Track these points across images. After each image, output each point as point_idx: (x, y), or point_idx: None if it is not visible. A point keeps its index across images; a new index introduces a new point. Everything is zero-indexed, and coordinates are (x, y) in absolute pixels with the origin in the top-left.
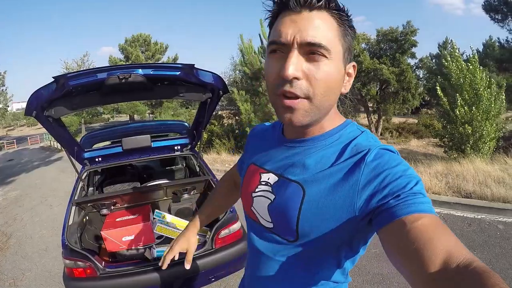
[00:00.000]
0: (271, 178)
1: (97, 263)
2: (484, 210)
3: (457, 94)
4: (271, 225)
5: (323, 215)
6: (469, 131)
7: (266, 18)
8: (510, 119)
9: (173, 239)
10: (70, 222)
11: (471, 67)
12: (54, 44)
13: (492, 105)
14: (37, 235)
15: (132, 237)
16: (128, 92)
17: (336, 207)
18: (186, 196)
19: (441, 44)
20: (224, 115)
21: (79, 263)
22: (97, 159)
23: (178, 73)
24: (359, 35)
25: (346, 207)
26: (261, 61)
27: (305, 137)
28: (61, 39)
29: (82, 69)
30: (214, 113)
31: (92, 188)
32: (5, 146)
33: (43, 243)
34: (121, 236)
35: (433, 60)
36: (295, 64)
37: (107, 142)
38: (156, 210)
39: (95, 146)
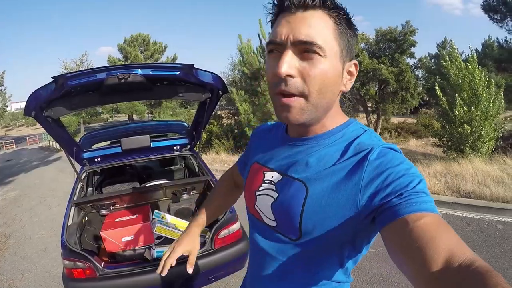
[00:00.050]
0: (275, 176)
1: (96, 263)
2: (483, 210)
3: (456, 94)
4: (274, 224)
5: (326, 213)
6: (468, 131)
7: (269, 21)
8: (508, 119)
9: (172, 239)
10: (70, 222)
11: (470, 67)
12: (53, 44)
13: (491, 105)
14: (36, 236)
15: (131, 238)
16: (128, 92)
17: (339, 205)
18: (185, 196)
19: (440, 44)
20: (223, 115)
21: (79, 263)
22: (96, 160)
23: (177, 73)
24: (358, 35)
25: (349, 205)
26: (260, 61)
27: (308, 135)
28: (60, 39)
29: (81, 69)
30: (213, 113)
31: (91, 189)
32: (4, 146)
33: (42, 243)
34: (120, 236)
35: (432, 60)
36: (289, 62)
37: (106, 142)
38: (156, 211)
39: (94, 146)
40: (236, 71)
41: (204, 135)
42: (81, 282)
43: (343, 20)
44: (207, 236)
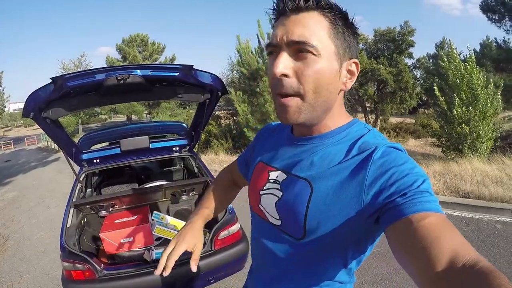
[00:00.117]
0: (280, 176)
1: (96, 265)
2: (482, 210)
3: (454, 95)
4: (279, 222)
5: (330, 211)
6: (467, 131)
7: (272, 26)
8: (506, 118)
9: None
10: (68, 224)
11: (468, 67)
12: (51, 44)
13: (489, 105)
14: (35, 237)
15: (131, 239)
16: (127, 93)
17: (344, 203)
18: (184, 197)
19: (438, 44)
20: (221, 115)
21: (78, 265)
22: (95, 161)
23: (176, 74)
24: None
25: (353, 204)
26: (258, 61)
27: (312, 134)
28: (58, 39)
29: (79, 69)
30: (212, 113)
31: (90, 190)
32: (2, 146)
33: (41, 245)
34: (119, 238)
35: (430, 60)
36: (283, 63)
37: (105, 143)
38: (155, 212)
39: (93, 147)
40: (235, 72)
41: (202, 136)
42: (81, 284)
43: (340, 19)
44: (206, 237)
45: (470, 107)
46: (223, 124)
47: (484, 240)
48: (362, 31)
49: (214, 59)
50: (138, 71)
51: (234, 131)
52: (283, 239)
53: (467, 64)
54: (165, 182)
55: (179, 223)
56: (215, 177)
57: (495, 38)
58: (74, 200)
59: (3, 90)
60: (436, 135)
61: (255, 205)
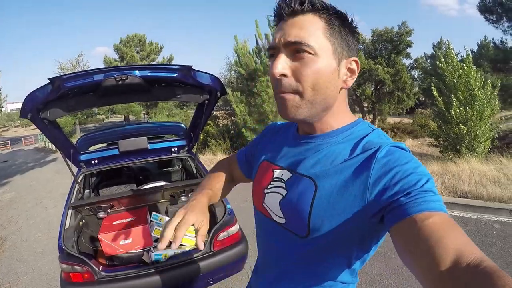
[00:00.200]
0: (285, 174)
1: (94, 267)
2: (480, 210)
3: (452, 95)
4: (283, 221)
5: (334, 210)
6: (464, 131)
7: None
8: (503, 118)
9: (171, 242)
10: (67, 226)
11: (465, 67)
12: (48, 44)
13: (485, 105)
14: (32, 238)
15: (129, 241)
16: (125, 94)
17: (348, 202)
18: (183, 198)
19: (435, 44)
20: (219, 115)
21: (77, 267)
22: (93, 162)
23: (175, 74)
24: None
25: (357, 202)
26: (256, 61)
27: (316, 133)
28: (55, 39)
29: (76, 69)
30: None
31: (88, 191)
32: (0, 147)
33: (39, 246)
34: (118, 239)
35: (428, 61)
36: (281, 63)
37: (103, 144)
38: (154, 213)
39: (91, 148)
40: (233, 72)
41: (201, 136)
42: (79, 286)
43: (337, 19)
44: (206, 239)
45: (468, 107)
46: (221, 125)
47: (482, 240)
48: (360, 31)
49: (213, 59)
50: (137, 71)
51: (232, 132)
52: (287, 238)
53: (464, 65)
54: (164, 183)
55: None
56: None
57: (493, 39)
58: (72, 201)
59: (0, 90)
60: (434, 135)
61: (259, 203)
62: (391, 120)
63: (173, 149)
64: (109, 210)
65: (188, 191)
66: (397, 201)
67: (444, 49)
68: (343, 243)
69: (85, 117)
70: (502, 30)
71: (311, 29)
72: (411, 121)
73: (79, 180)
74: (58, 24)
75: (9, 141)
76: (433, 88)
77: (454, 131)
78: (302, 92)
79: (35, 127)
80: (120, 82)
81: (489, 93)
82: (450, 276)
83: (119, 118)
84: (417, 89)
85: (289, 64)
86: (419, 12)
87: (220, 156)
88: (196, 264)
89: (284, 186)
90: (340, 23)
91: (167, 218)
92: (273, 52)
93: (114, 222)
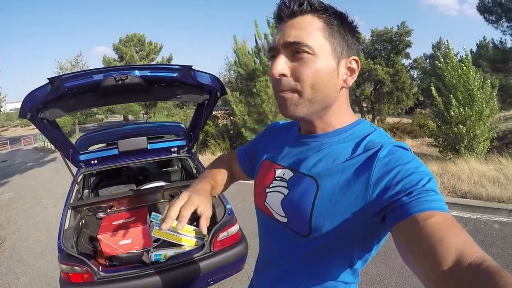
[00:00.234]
0: (286, 173)
1: (94, 267)
2: (480, 210)
3: (451, 95)
4: (285, 220)
5: (336, 209)
6: (463, 131)
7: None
8: (503, 118)
9: (171, 242)
10: (66, 226)
11: (464, 68)
12: (47, 44)
13: (484, 106)
14: (31, 238)
15: (129, 241)
16: (125, 94)
17: (349, 201)
18: None
19: (435, 44)
20: (219, 115)
21: (76, 268)
22: (92, 162)
23: (175, 74)
24: (358, 31)
25: (358, 202)
26: (255, 61)
27: (317, 132)
28: (54, 39)
29: (76, 69)
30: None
31: (87, 191)
32: None
33: (38, 246)
34: (118, 239)
35: (427, 61)
36: (281, 64)
37: (103, 144)
38: (153, 213)
39: (91, 148)
40: (232, 72)
41: (200, 136)
42: (79, 286)
43: (336, 19)
44: (205, 239)
45: (467, 108)
46: (220, 124)
47: (482, 240)
48: (360, 31)
49: (212, 58)
50: (137, 71)
51: (231, 132)
52: (289, 237)
53: (463, 65)
54: (164, 184)
55: None
56: None
57: (492, 39)
58: (71, 201)
59: None
60: (433, 135)
61: (260, 202)
62: (390, 120)
63: (172, 149)
64: (108, 210)
65: None
66: (398, 201)
67: (444, 49)
68: (345, 242)
69: (84, 116)
70: (502, 31)
71: (309, 30)
72: (410, 121)
73: (78, 180)
74: (57, 23)
75: (8, 141)
76: (433, 88)
77: (453, 131)
78: (301, 91)
79: (34, 127)
80: (120, 82)
81: (488, 93)
82: (452, 276)
83: (118, 118)
84: (416, 89)
85: (288, 64)
86: (419, 12)
87: None
88: (196, 264)
89: (286, 186)
90: (339, 23)
91: None
92: (273, 53)
93: (114, 222)
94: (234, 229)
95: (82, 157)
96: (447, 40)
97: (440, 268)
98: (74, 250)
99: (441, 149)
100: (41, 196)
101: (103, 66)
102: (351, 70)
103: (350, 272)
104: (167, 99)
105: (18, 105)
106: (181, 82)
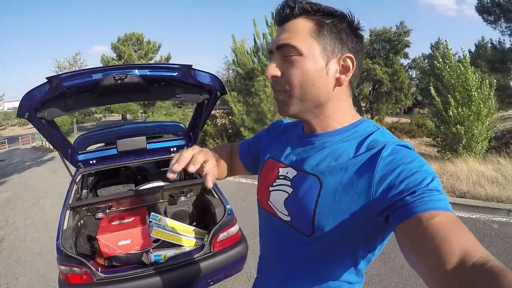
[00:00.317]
0: (290, 172)
1: (93, 268)
2: (479, 210)
3: (449, 95)
4: (288, 218)
5: (339, 208)
6: (462, 132)
7: None
8: (502, 118)
9: (170, 243)
10: (65, 226)
11: (462, 68)
12: (45, 42)
13: (482, 106)
14: (30, 238)
15: (128, 241)
16: (124, 93)
17: (352, 200)
18: (182, 198)
19: (433, 44)
20: (217, 114)
21: (75, 269)
22: (91, 162)
23: (175, 74)
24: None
25: (362, 200)
26: (254, 61)
27: (318, 132)
28: (53, 37)
29: (74, 68)
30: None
31: (86, 191)
32: None
33: (37, 246)
34: (117, 240)
35: (426, 61)
36: (272, 66)
37: (101, 144)
38: (152, 213)
39: (89, 148)
40: (231, 71)
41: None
42: (78, 287)
43: (329, 18)
44: (205, 239)
45: (465, 108)
46: (219, 124)
47: (481, 240)
48: (359, 28)
49: (211, 58)
50: (136, 70)
51: (230, 131)
52: (292, 236)
53: (461, 65)
54: (163, 183)
55: (177, 225)
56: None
57: (491, 39)
58: (70, 202)
59: None
60: (432, 134)
61: (264, 201)
62: (388, 119)
63: (172, 149)
64: (107, 211)
65: (187, 191)
66: (402, 200)
67: (442, 49)
68: (348, 241)
69: (82, 116)
70: (500, 31)
71: (298, 31)
72: (408, 120)
73: (77, 180)
74: (55, 22)
75: (6, 140)
76: (432, 88)
77: (452, 131)
78: (291, 91)
79: (33, 126)
80: (119, 81)
81: (486, 93)
82: (456, 275)
83: (117, 117)
84: (414, 89)
85: (280, 65)
86: (417, 12)
87: None
88: (196, 265)
89: (289, 184)
90: (332, 22)
91: (166, 219)
92: (270, 55)
93: (113, 223)
94: (234, 229)
95: (80, 157)
96: (445, 40)
97: (444, 267)
98: (73, 251)
99: (439, 148)
100: (39, 196)
101: (101, 65)
102: (345, 68)
103: (354, 272)
104: (166, 99)
105: (16, 104)
106: (181, 81)
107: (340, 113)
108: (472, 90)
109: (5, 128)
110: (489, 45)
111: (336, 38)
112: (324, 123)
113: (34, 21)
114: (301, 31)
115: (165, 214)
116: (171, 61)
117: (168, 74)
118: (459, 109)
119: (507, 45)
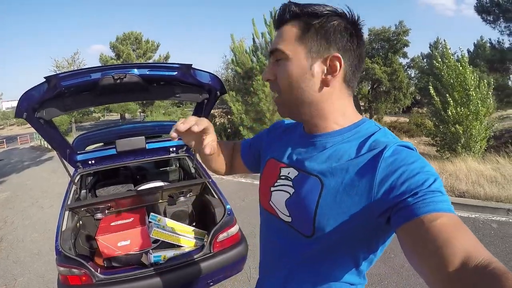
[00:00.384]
0: (291, 172)
1: (92, 269)
2: (478, 209)
3: (448, 95)
4: (289, 219)
5: (340, 208)
6: (460, 131)
7: None
8: (501, 117)
9: (170, 243)
10: (64, 227)
11: (461, 68)
12: (44, 42)
13: (480, 105)
14: (28, 239)
15: (128, 242)
16: (123, 93)
17: (354, 201)
18: (182, 199)
19: (432, 44)
20: (216, 114)
21: (74, 270)
22: (90, 162)
23: (175, 73)
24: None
25: (363, 201)
26: (252, 60)
27: (318, 132)
28: (51, 37)
29: (72, 67)
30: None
31: (84, 191)
32: None
33: (35, 247)
34: (116, 241)
35: (425, 60)
36: (267, 70)
37: (100, 144)
38: (152, 214)
39: (88, 148)
40: (230, 70)
41: None
42: None
43: (314, 20)
44: (205, 240)
45: (463, 107)
46: (218, 123)
47: (480, 240)
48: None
49: (210, 58)
50: (135, 70)
51: (229, 130)
52: (293, 236)
53: (460, 65)
54: (163, 184)
55: (177, 225)
56: (212, 177)
57: (489, 39)
58: (69, 202)
59: None
60: (431, 134)
61: (265, 202)
62: (387, 119)
63: (171, 149)
64: (106, 211)
65: (187, 192)
66: (404, 202)
67: (441, 48)
68: (349, 242)
69: (81, 115)
70: (499, 31)
71: (285, 35)
72: (407, 120)
73: (75, 181)
74: (54, 21)
75: (4, 140)
76: (431, 87)
77: (451, 131)
78: (281, 92)
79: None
80: (118, 80)
81: (484, 92)
82: (459, 277)
83: (115, 117)
84: (413, 88)
85: (273, 69)
86: (416, 11)
87: None
88: (196, 265)
89: (291, 185)
90: (318, 23)
91: (166, 219)
92: (269, 59)
93: (112, 223)
94: (234, 229)
95: (79, 157)
96: (444, 40)
97: (446, 269)
98: (72, 252)
99: (438, 148)
100: (37, 196)
101: (100, 65)
102: (332, 68)
103: (355, 273)
104: (166, 98)
105: (14, 103)
106: (181, 81)
107: (338, 113)
108: (471, 89)
109: (3, 127)
110: (488, 44)
111: (322, 39)
112: (322, 124)
113: (32, 20)
114: (288, 34)
115: (165, 215)
116: (169, 60)
117: (168, 73)
118: (458, 108)
119: (506, 45)
